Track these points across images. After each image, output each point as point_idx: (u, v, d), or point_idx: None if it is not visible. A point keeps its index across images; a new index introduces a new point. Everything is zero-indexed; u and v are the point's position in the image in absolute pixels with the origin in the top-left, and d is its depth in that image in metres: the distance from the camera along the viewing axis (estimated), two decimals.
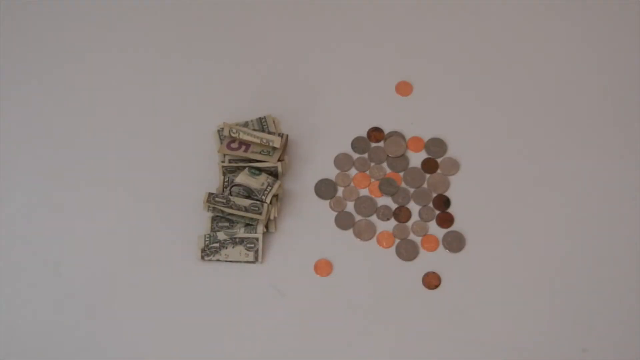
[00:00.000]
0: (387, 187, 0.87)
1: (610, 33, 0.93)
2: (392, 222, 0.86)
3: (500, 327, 0.83)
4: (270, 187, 0.84)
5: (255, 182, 0.84)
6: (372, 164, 0.88)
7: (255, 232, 0.85)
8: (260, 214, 0.83)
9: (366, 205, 0.87)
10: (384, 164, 0.88)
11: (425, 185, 0.88)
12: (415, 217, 0.87)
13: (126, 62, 0.93)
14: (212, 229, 0.85)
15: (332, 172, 0.88)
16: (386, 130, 0.90)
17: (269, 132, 0.87)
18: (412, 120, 0.90)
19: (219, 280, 0.84)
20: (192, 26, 0.94)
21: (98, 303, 0.84)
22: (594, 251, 0.85)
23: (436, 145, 0.89)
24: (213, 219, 0.86)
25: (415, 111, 0.90)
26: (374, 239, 0.86)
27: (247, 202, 0.83)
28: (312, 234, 0.86)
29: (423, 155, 0.89)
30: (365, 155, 0.89)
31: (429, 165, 0.88)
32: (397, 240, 0.86)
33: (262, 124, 0.88)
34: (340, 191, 0.88)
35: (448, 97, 0.91)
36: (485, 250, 0.85)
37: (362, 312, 0.83)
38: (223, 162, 0.87)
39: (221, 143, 0.88)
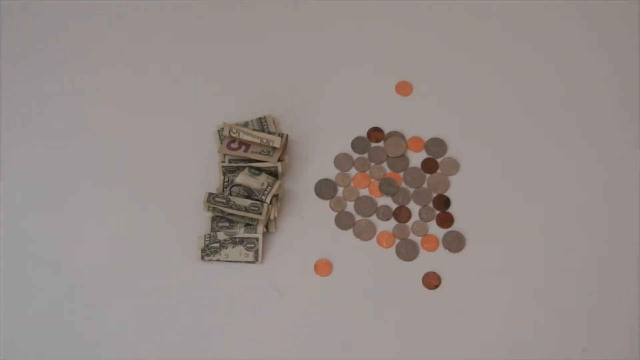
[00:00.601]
0: (387, 187, 0.87)
1: (610, 33, 0.93)
2: (392, 222, 0.86)
3: (501, 327, 0.83)
4: (270, 187, 0.84)
5: (255, 182, 0.84)
6: (372, 164, 0.88)
7: (255, 232, 0.85)
8: (260, 214, 0.83)
9: (366, 206, 0.87)
10: (384, 164, 0.88)
11: (425, 185, 0.88)
12: (415, 217, 0.87)
13: (125, 61, 0.93)
14: (212, 229, 0.85)
15: (332, 172, 0.88)
16: (386, 130, 0.90)
17: (269, 132, 0.87)
18: (412, 120, 0.90)
19: (219, 280, 0.84)
20: (191, 26, 0.94)
21: (97, 303, 0.84)
22: (595, 250, 0.85)
23: (436, 145, 0.89)
24: (213, 219, 0.86)
25: (415, 111, 0.91)
26: (374, 239, 0.86)
27: (247, 202, 0.83)
28: (312, 234, 0.86)
29: (423, 155, 0.89)
30: (365, 155, 0.89)
31: (429, 165, 0.88)
32: (397, 240, 0.86)
33: (262, 124, 0.88)
34: (340, 191, 0.88)
35: (448, 97, 0.91)
36: (485, 250, 0.85)
37: (362, 312, 0.83)
38: (223, 162, 0.87)
39: (221, 143, 0.88)
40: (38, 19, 0.94)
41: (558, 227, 0.86)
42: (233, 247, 0.84)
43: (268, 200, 0.84)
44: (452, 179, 0.88)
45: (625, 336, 0.82)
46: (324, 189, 0.87)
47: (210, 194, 0.84)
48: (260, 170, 0.86)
